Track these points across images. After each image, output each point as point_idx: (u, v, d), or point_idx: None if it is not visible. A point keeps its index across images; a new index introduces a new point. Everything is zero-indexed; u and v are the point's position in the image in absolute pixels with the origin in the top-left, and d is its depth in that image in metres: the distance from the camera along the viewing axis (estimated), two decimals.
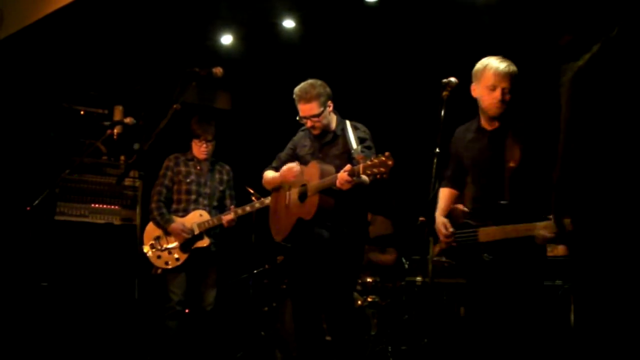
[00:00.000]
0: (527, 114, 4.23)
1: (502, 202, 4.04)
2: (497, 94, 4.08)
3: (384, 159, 4.23)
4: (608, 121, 2.24)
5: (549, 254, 5.99)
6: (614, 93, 2.24)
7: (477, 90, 4.19)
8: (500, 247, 4.01)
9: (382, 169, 4.23)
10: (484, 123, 4.26)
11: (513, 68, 4.11)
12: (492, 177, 4.16)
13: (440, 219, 4.37)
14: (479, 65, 4.20)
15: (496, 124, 4.20)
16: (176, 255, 5.84)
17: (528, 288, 4.05)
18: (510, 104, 4.12)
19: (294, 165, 4.91)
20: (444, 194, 4.52)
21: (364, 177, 4.42)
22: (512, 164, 4.04)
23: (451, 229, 4.29)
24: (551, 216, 3.64)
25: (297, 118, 4.94)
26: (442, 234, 4.32)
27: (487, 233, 4.09)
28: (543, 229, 3.81)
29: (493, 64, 4.12)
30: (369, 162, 4.28)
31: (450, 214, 4.39)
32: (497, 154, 4.14)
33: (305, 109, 4.85)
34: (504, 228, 3.98)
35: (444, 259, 4.50)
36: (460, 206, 4.35)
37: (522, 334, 3.99)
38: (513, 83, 4.09)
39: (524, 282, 4.03)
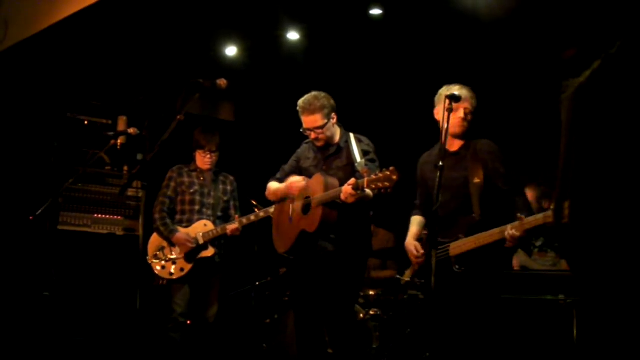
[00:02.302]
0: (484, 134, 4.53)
1: (472, 215, 4.29)
2: (460, 113, 4.41)
3: (388, 173, 4.23)
4: (608, 135, 2.24)
5: (551, 268, 6.02)
6: (614, 109, 2.24)
7: (440, 113, 4.45)
8: (470, 258, 4.27)
9: (386, 184, 4.23)
10: (447, 145, 4.44)
11: (472, 93, 4.49)
12: (457, 194, 4.40)
13: (411, 242, 4.70)
14: (441, 90, 4.55)
15: (458, 145, 4.51)
16: (181, 266, 5.82)
17: (490, 299, 4.33)
18: (470, 124, 4.47)
19: (300, 179, 4.90)
20: (415, 221, 4.85)
21: (368, 191, 4.42)
22: (477, 180, 4.32)
23: (422, 251, 4.58)
24: (522, 216, 4.05)
25: (301, 130, 4.94)
26: (413, 255, 4.65)
27: (458, 246, 4.34)
28: (512, 229, 4.08)
29: (451, 89, 4.43)
30: (373, 177, 4.28)
31: (422, 238, 4.67)
32: (461, 172, 4.41)
33: (309, 121, 4.85)
34: (477, 237, 4.25)
35: (416, 280, 4.66)
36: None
37: (481, 344, 4.25)
38: (473, 105, 4.47)
39: (488, 293, 4.31)
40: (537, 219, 4.06)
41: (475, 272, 4.26)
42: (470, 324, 4.24)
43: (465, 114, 4.42)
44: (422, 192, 4.81)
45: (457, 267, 4.27)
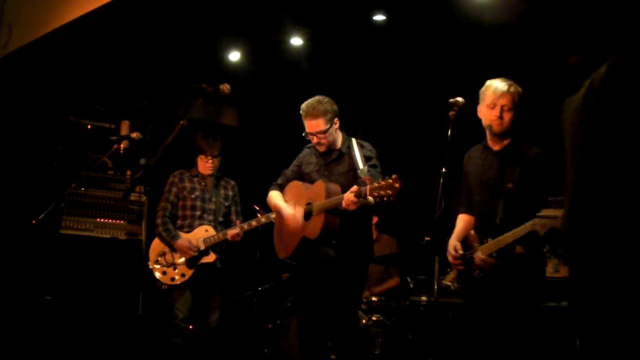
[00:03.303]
0: (531, 135, 4.32)
1: (495, 220, 4.16)
2: (496, 111, 4.21)
3: (391, 181, 4.21)
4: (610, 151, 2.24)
5: (553, 274, 6.00)
6: (608, 125, 2.23)
7: (482, 110, 4.31)
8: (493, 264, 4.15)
9: (389, 192, 4.21)
10: (490, 143, 4.37)
11: (514, 88, 4.23)
12: (491, 196, 4.25)
13: (452, 242, 4.45)
14: (483, 87, 4.33)
15: (503, 144, 4.31)
16: (182, 272, 5.81)
17: (519, 307, 4.11)
18: (514, 123, 4.24)
19: (300, 219, 4.89)
20: (461, 220, 4.59)
21: (370, 198, 4.40)
22: (509, 185, 4.15)
23: (461, 252, 4.36)
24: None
25: (303, 134, 4.92)
26: (451, 256, 4.41)
27: (479, 250, 4.22)
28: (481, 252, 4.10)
29: (493, 84, 4.26)
30: (376, 184, 4.26)
31: (465, 239, 4.45)
32: (500, 173, 4.24)
33: (312, 125, 4.84)
34: (496, 241, 4.12)
35: (456, 284, 4.52)
36: (473, 231, 4.42)
37: (515, 352, 4.07)
38: (514, 102, 4.22)
39: (516, 301, 4.11)
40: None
41: (497, 278, 4.13)
42: (495, 332, 4.12)
43: (502, 111, 4.20)
44: (465, 189, 4.57)
45: (477, 271, 4.19)
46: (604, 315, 2.26)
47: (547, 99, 4.46)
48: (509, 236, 4.00)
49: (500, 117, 4.20)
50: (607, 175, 2.21)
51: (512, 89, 4.22)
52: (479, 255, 4.11)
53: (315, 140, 4.89)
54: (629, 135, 2.13)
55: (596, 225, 2.24)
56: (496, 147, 4.33)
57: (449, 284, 4.46)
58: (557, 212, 3.71)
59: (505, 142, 4.30)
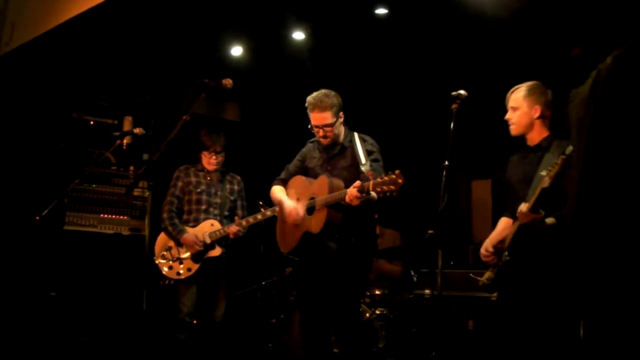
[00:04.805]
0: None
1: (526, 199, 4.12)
2: (507, 115, 4.35)
3: (394, 176, 4.21)
4: (610, 141, 2.24)
5: None
6: (612, 117, 2.24)
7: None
8: (517, 245, 4.13)
9: (392, 187, 4.21)
10: (527, 141, 4.39)
11: (516, 89, 4.34)
12: (528, 185, 4.19)
13: (484, 245, 4.44)
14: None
15: (540, 137, 4.32)
16: (188, 266, 5.82)
17: (541, 293, 4.07)
18: (530, 118, 4.28)
19: (300, 214, 4.90)
20: (501, 223, 4.59)
21: (373, 193, 4.39)
22: (542, 172, 4.09)
23: (491, 249, 4.35)
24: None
25: (309, 127, 4.92)
26: (482, 255, 4.40)
27: (507, 234, 4.23)
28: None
29: (513, 89, 4.38)
30: (379, 180, 4.26)
31: (498, 243, 4.43)
32: (536, 165, 4.20)
33: (319, 118, 4.83)
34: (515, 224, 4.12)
35: (492, 275, 4.48)
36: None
37: (540, 340, 4.10)
38: (516, 99, 4.30)
39: (539, 286, 4.07)
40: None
41: (523, 262, 4.12)
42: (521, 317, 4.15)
43: (510, 115, 4.33)
44: (510, 194, 4.55)
45: (505, 253, 4.18)
46: (608, 307, 2.26)
47: (552, 90, 4.46)
48: (524, 205, 3.99)
49: (510, 122, 4.34)
50: (615, 169, 2.21)
51: (513, 90, 4.34)
52: (521, 210, 4.04)
53: (321, 133, 4.88)
54: (636, 126, 2.13)
55: (603, 219, 2.25)
56: (531, 143, 4.35)
57: (486, 281, 4.41)
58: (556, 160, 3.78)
59: (540, 136, 4.31)
